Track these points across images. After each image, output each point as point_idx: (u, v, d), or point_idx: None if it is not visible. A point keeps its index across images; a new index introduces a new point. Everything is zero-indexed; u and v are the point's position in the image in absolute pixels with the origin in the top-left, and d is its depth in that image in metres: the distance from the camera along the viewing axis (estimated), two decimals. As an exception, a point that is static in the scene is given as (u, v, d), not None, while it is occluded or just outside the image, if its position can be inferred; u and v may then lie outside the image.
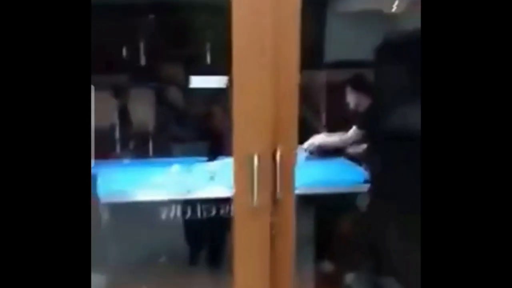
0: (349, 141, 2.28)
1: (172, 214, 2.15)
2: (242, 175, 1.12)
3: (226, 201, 2.20)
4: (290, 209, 1.18)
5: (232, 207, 1.14)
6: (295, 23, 1.11)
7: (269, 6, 1.08)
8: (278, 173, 1.14)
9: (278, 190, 1.15)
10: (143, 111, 3.74)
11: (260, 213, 1.14)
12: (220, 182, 2.35)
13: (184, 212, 2.17)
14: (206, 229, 2.23)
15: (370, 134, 2.22)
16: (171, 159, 2.70)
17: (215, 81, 3.26)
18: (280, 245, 1.18)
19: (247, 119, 1.12)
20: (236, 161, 1.12)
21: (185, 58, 3.61)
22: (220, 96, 3.24)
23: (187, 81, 3.22)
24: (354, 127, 2.30)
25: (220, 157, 2.70)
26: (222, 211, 2.19)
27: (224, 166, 2.51)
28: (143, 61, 3.97)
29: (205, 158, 2.73)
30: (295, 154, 1.18)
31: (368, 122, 2.24)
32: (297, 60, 1.15)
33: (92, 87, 0.87)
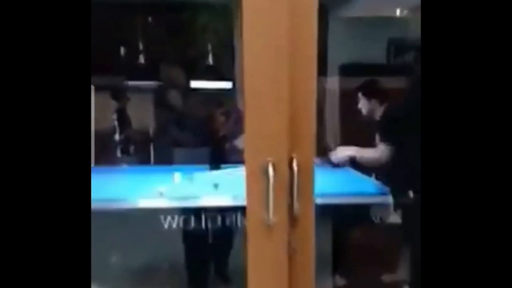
0: (383, 158, 2.11)
1: (174, 223, 2.04)
2: (256, 186, 1.01)
3: (232, 210, 2.09)
4: (310, 224, 1.07)
5: (244, 222, 1.04)
6: (312, 26, 1.02)
7: (285, 7, 0.98)
8: (295, 184, 1.03)
9: (295, 203, 1.04)
10: (143, 113, 3.66)
11: (277, 230, 1.03)
12: (224, 190, 2.27)
13: (187, 222, 2.05)
14: (211, 240, 2.12)
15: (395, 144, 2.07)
16: (172, 166, 2.61)
17: (218, 83, 3.20)
18: (299, 264, 1.07)
19: (260, 124, 1.01)
20: (248, 171, 1.01)
21: (186, 59, 3.53)
22: (223, 98, 3.18)
23: (188, 82, 3.13)
24: (380, 142, 2.15)
25: (223, 165, 2.66)
26: (227, 221, 2.08)
27: (228, 174, 2.46)
28: (142, 61, 3.89)
29: (207, 166, 2.64)
30: (314, 163, 1.07)
31: (392, 130, 2.10)
32: (315, 64, 1.05)
33: (92, 89, 0.81)
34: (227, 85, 3.33)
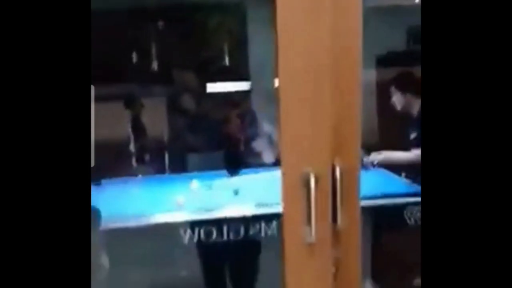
0: (418, 161, 1.92)
1: (195, 237, 1.90)
2: (295, 200, 0.86)
3: (256, 219, 1.95)
4: (355, 237, 0.93)
5: (283, 243, 0.89)
6: (356, 17, 0.90)
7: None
8: (338, 194, 0.88)
9: (339, 217, 0.89)
10: (157, 120, 3.56)
11: (320, 247, 0.88)
12: (245, 197, 2.14)
13: (208, 234, 1.91)
14: (234, 252, 1.98)
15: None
16: (189, 174, 2.49)
17: (233, 84, 3.07)
18: (344, 281, 0.92)
19: (298, 130, 0.87)
20: (286, 184, 0.87)
21: (200, 61, 3.43)
22: (239, 99, 3.05)
23: (202, 85, 3.02)
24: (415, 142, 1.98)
25: (242, 169, 2.54)
26: (251, 232, 1.94)
27: (248, 179, 2.34)
28: (155, 67, 3.80)
29: (225, 172, 2.52)
30: (359, 171, 0.92)
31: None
32: (359, 57, 0.91)
33: (92, 96, 0.75)
34: (243, 86, 3.20)
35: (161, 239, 1.90)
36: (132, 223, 1.87)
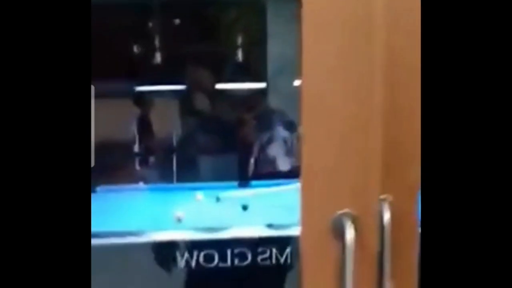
0: None
1: (193, 261, 1.61)
2: (319, 257, 0.55)
3: (266, 242, 1.64)
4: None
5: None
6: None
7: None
8: (387, 247, 0.57)
9: (387, 281, 0.58)
10: (165, 121, 3.34)
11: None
12: (255, 214, 1.85)
13: (208, 258, 1.62)
14: (239, 283, 1.67)
15: None
16: (196, 184, 2.23)
17: (249, 84, 2.84)
18: None
19: (325, 146, 0.57)
20: (306, 231, 0.56)
21: (214, 59, 3.21)
22: (255, 102, 2.82)
23: (215, 84, 2.83)
24: None
25: (254, 181, 2.31)
26: (260, 257, 1.63)
27: (260, 193, 2.07)
28: (165, 64, 3.58)
29: (235, 184, 2.26)
30: (417, 209, 0.61)
31: None
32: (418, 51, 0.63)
33: (92, 93, 0.68)
34: (259, 86, 2.94)
35: (152, 261, 1.62)
36: (119, 240, 1.59)
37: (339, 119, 0.57)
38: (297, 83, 2.76)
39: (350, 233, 0.52)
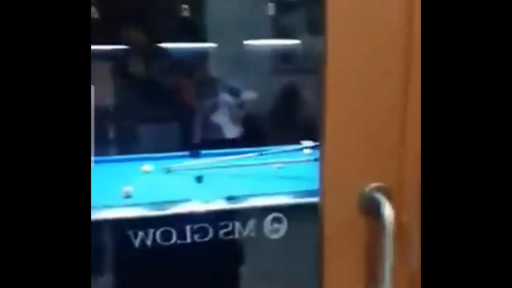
0: None
1: (149, 239, 1.48)
2: (346, 239, 0.48)
3: (228, 216, 1.56)
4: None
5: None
6: None
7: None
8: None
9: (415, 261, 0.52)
10: (99, 86, 3.05)
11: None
12: (211, 187, 1.74)
13: (166, 236, 1.50)
14: (202, 260, 1.58)
15: None
16: (140, 156, 2.07)
17: (196, 44, 2.66)
18: None
19: (350, 116, 0.48)
20: (328, 207, 0.47)
21: (151, 17, 2.96)
22: (198, 64, 2.67)
23: (155, 44, 2.65)
24: None
25: (204, 150, 2.20)
26: (222, 232, 1.54)
27: (212, 163, 1.98)
28: (98, 21, 3.24)
29: (185, 153, 2.15)
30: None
31: None
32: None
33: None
34: (205, 46, 2.77)
35: (104, 242, 1.47)
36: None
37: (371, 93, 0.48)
38: (246, 42, 2.63)
39: (388, 210, 0.44)
